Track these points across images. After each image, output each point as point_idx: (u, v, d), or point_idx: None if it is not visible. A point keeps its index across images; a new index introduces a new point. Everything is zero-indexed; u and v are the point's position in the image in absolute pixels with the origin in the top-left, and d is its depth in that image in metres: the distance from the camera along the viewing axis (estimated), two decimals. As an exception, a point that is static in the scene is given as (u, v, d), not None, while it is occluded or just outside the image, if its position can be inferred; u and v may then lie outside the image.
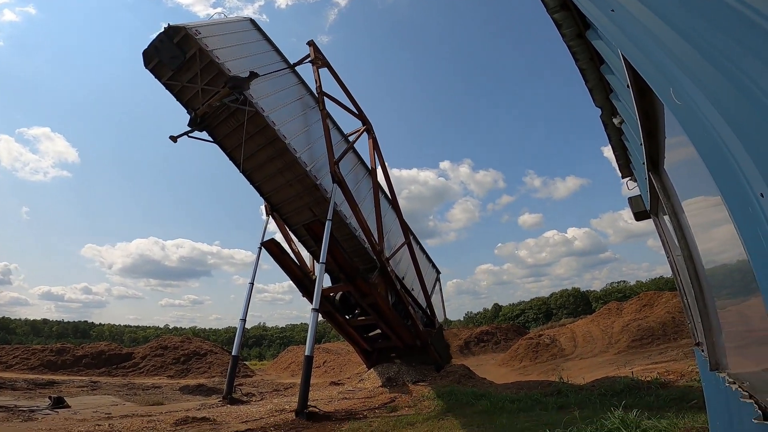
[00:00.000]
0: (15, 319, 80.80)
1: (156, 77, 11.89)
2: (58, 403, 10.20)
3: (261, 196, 14.15)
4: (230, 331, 79.41)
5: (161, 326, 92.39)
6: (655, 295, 26.39)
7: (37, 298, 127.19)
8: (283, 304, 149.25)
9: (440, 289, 19.52)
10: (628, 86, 2.39)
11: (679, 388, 8.75)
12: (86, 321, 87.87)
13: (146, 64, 11.66)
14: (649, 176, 3.05)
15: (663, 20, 1.33)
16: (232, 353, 13.31)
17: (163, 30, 10.95)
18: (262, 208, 14.98)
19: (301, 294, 14.94)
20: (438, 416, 8.91)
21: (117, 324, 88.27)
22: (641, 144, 2.84)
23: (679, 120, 1.63)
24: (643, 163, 3.04)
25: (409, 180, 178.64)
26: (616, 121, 3.58)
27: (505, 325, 40.53)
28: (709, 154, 1.42)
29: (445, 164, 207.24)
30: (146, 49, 11.38)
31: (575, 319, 37.35)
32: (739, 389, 2.11)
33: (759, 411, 1.70)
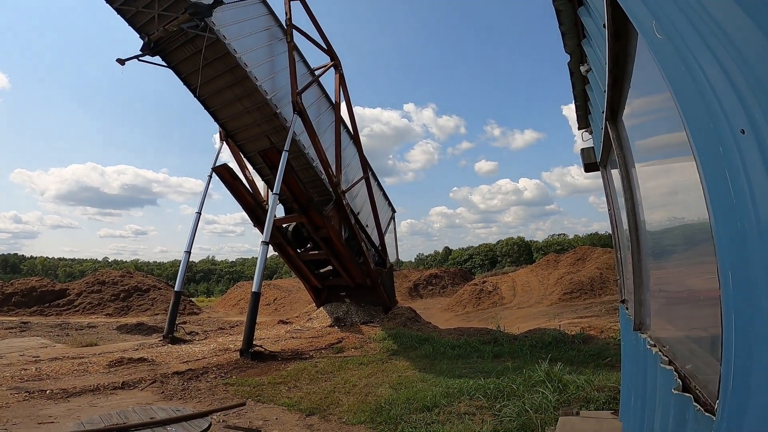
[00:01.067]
0: (-65, 250, 73.98)
1: (107, 2, 11.12)
2: (-18, 347, 9.52)
3: (216, 121, 13.85)
4: (176, 265, 76.55)
5: (99, 259, 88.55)
6: (588, 250, 28.43)
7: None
8: (234, 236, 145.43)
9: (394, 229, 19.56)
10: (604, 26, 2.27)
11: (597, 345, 9.66)
12: (16, 254, 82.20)
13: None
14: (606, 126, 3.00)
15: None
16: (175, 288, 12.91)
17: None
18: (215, 137, 14.67)
19: (252, 224, 14.86)
20: (383, 359, 9.28)
21: (50, 257, 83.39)
22: (604, 92, 2.75)
23: (656, 56, 1.53)
24: (603, 112, 2.97)
25: (372, 119, 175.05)
26: (583, 69, 3.50)
27: (453, 269, 42.50)
28: (684, 90, 1.33)
29: (409, 106, 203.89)
30: None
31: (517, 268, 39.86)
32: (660, 353, 2.13)
33: (679, 381, 1.68)
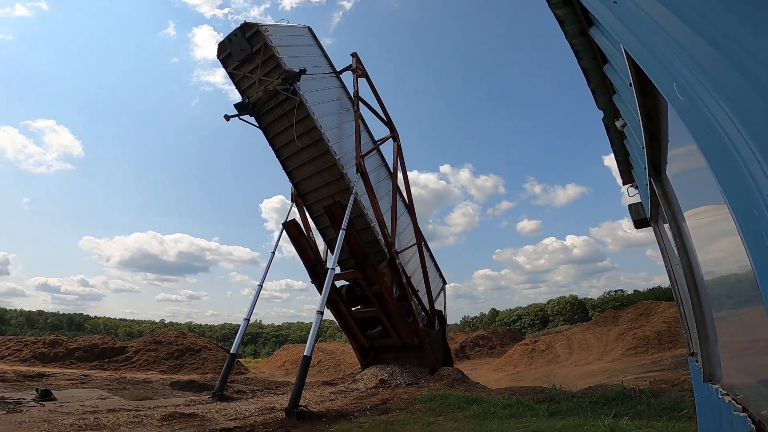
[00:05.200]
0: (10, 309, 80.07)
1: (223, 66, 13.80)
2: (45, 395, 10.02)
3: (291, 181, 15.44)
4: (226, 328, 79.13)
5: (157, 321, 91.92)
6: (651, 305, 26.37)
7: (33, 289, 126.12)
8: (280, 302, 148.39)
9: (444, 298, 19.81)
10: (630, 85, 2.32)
11: (671, 398, 8.61)
12: (81, 313, 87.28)
13: (218, 54, 13.58)
14: (650, 182, 2.97)
15: (667, 7, 1.25)
16: (231, 351, 13.34)
17: (239, 26, 13.06)
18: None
19: (309, 279, 15.80)
20: (429, 420, 8.80)
21: (112, 317, 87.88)
22: (643, 148, 2.76)
23: (682, 117, 1.56)
24: (645, 168, 2.96)
25: (410, 182, 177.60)
26: (618, 124, 3.49)
27: (501, 330, 40.61)
28: (713, 153, 1.34)
29: (445, 168, 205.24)
30: (221, 41, 13.46)
31: (571, 326, 37.27)
32: (733, 402, 2.05)
33: (752, 425, 1.64)
